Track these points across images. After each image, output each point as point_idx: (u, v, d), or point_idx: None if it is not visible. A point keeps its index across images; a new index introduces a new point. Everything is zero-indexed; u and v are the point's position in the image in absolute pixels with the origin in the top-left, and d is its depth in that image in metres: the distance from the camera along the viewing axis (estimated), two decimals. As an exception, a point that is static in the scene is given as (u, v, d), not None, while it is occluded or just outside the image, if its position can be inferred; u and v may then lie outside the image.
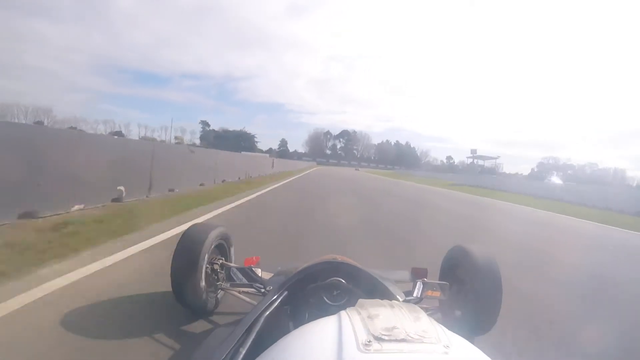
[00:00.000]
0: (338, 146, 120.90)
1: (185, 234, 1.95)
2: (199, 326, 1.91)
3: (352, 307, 0.50)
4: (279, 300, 1.03)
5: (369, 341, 0.40)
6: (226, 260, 2.08)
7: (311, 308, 1.00)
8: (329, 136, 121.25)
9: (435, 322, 0.45)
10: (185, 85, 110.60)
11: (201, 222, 2.12)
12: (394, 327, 0.43)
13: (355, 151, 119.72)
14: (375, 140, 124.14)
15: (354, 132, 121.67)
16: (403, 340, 0.41)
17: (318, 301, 1.01)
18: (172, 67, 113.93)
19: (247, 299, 1.82)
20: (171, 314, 1.98)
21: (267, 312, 0.94)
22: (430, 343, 0.41)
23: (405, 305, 0.49)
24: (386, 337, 0.41)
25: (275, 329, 0.91)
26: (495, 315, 1.67)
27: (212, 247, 1.95)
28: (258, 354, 0.75)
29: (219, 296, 2.01)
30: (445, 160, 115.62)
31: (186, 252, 1.86)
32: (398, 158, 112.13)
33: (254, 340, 0.78)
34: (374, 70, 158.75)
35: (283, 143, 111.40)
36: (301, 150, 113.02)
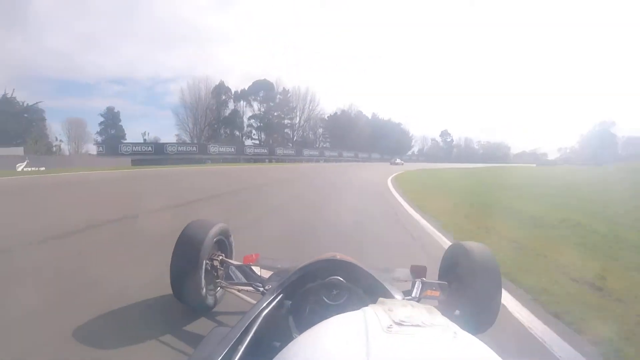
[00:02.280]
0: (249, 114, 55.15)
1: (184, 231, 1.94)
2: (197, 324, 1.91)
3: (374, 304, 0.58)
4: (278, 299, 1.04)
5: (390, 325, 0.48)
6: (226, 257, 2.08)
7: (310, 307, 1.00)
8: (225, 96, 52.71)
9: (446, 318, 0.53)
10: (112, 90, 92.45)
11: (201, 219, 2.10)
12: (410, 316, 0.51)
13: (288, 130, 57.42)
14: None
15: (285, 89, 55.90)
16: (418, 325, 0.48)
17: (317, 300, 1.01)
18: (98, 72, 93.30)
19: (246, 298, 1.83)
20: (171, 309, 1.98)
21: (266, 311, 0.95)
22: (441, 329, 0.49)
23: (421, 304, 0.58)
24: (404, 323, 0.49)
25: (274, 327, 0.92)
26: (494, 314, 1.67)
27: (212, 243, 1.95)
28: (257, 353, 0.78)
29: (218, 294, 2.02)
30: (439, 140, 76.83)
31: (186, 248, 1.86)
32: (374, 140, 58.47)
33: (252, 339, 0.80)
34: (309, 60, 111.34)
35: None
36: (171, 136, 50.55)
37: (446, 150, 76.68)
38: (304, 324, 0.90)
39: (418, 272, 1.77)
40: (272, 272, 1.73)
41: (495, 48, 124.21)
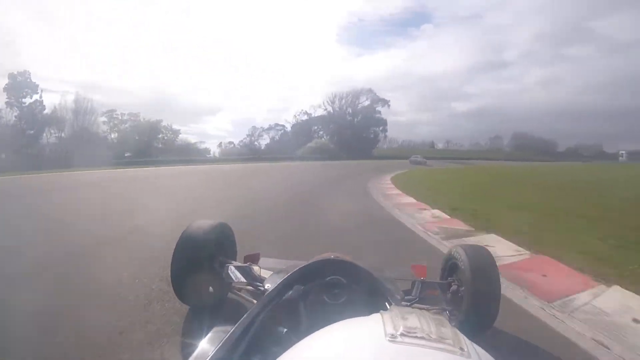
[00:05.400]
0: None
1: (186, 231, 1.95)
2: (198, 324, 1.92)
3: (384, 311, 0.57)
4: (278, 298, 1.03)
5: (394, 334, 0.48)
6: (227, 258, 2.08)
7: (310, 306, 0.99)
8: None
9: (457, 331, 0.51)
10: None
11: (202, 220, 2.11)
12: (417, 327, 0.50)
13: None
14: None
15: None
16: (423, 337, 0.48)
17: (317, 300, 1.01)
18: None
19: (246, 297, 1.82)
20: (170, 311, 1.98)
21: (266, 311, 0.94)
22: (447, 344, 0.47)
23: (432, 314, 0.57)
24: (409, 334, 0.48)
25: (274, 327, 0.91)
26: (493, 315, 1.67)
27: (213, 243, 1.96)
28: (256, 353, 0.77)
29: (218, 294, 2.01)
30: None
31: (187, 249, 1.87)
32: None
33: (252, 338, 0.79)
34: None
35: None
36: None
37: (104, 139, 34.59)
38: (305, 323, 0.89)
39: (418, 271, 1.77)
40: (272, 272, 1.72)
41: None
